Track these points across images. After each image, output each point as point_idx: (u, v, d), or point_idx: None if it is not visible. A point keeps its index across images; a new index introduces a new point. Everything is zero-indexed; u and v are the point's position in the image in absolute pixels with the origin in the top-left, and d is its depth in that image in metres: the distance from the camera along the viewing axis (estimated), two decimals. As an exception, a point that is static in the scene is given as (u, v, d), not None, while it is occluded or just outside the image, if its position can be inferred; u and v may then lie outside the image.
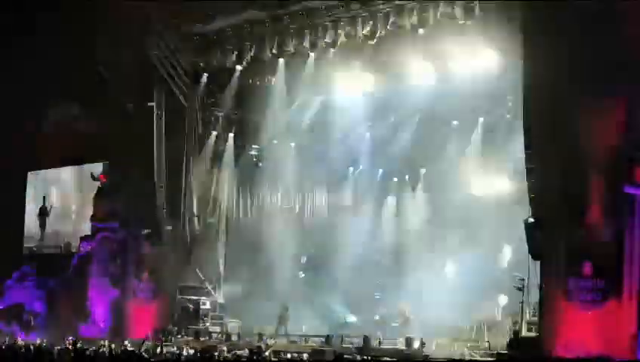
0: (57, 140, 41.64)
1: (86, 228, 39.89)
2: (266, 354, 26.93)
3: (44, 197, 43.62)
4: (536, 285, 27.72)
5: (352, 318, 38.45)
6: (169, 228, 36.94)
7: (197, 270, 37.38)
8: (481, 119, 36.87)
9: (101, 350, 28.27)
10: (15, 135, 42.20)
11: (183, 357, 25.55)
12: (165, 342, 33.05)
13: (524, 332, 28.02)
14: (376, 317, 37.13)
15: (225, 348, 30.21)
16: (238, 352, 28.08)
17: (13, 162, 43.10)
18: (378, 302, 38.68)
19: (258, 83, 38.20)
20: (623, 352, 24.14)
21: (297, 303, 39.01)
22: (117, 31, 35.90)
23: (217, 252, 38.92)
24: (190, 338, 34.50)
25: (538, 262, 27.16)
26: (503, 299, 33.34)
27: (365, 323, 37.14)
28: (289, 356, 27.62)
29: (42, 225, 43.32)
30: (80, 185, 42.17)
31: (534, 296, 28.41)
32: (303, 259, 40.39)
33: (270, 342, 32.23)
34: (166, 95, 36.86)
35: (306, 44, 34.54)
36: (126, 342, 31.39)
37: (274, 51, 35.48)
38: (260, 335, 33.20)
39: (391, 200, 41.64)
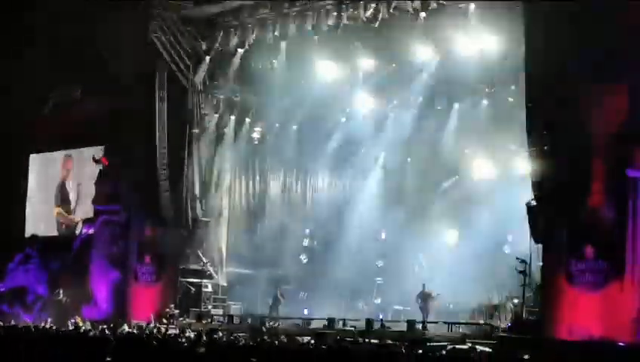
0: (58, 122, 41.63)
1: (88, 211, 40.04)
2: (267, 337, 26.98)
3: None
4: (538, 268, 27.84)
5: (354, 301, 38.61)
6: (171, 210, 36.92)
7: (199, 252, 37.45)
8: (484, 102, 36.93)
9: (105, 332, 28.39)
10: (15, 117, 42.22)
11: (184, 340, 25.63)
12: (167, 324, 33.15)
13: (525, 316, 28.10)
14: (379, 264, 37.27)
15: (227, 331, 30.32)
16: (241, 335, 28.13)
17: (13, 145, 43.16)
18: (380, 287, 38.83)
19: (260, 65, 38.15)
20: (625, 335, 24.19)
21: (300, 286, 39.28)
22: (118, 12, 35.87)
23: (219, 234, 38.95)
24: (192, 320, 34.62)
25: (540, 246, 27.20)
26: (505, 282, 33.49)
27: (368, 306, 37.38)
28: (290, 339, 27.66)
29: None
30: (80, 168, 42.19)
31: (536, 278, 28.54)
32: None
33: (272, 324, 32.34)
34: (168, 77, 36.81)
35: (309, 26, 34.50)
36: (125, 326, 31.40)
37: (276, 34, 35.46)
38: (262, 318, 33.32)
39: (392, 183, 41.70)
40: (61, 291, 38.41)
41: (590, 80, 25.43)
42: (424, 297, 32.51)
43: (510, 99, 35.05)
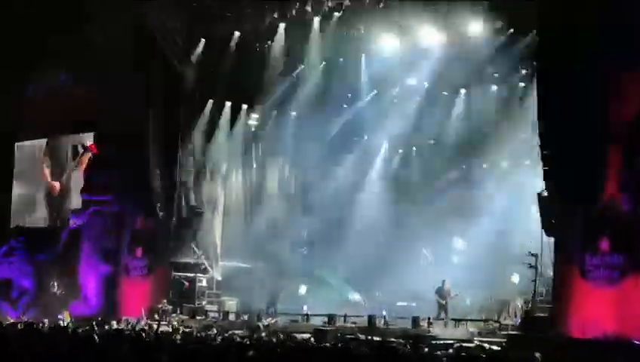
0: (45, 109, 41.41)
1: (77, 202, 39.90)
2: (264, 334, 26.86)
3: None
4: (550, 262, 27.70)
5: (355, 297, 38.52)
6: (164, 200, 36.81)
7: (193, 245, 37.36)
8: (493, 87, 36.77)
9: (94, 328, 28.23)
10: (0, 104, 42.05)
11: (178, 337, 25.48)
12: (160, 320, 33.05)
13: (536, 312, 27.98)
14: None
15: (222, 328, 30.24)
16: (236, 332, 28.03)
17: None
18: (383, 282, 38.78)
19: (257, 49, 38.00)
20: (641, 332, 24.14)
21: (299, 280, 39.20)
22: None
23: (214, 226, 38.88)
24: (186, 317, 34.52)
25: (552, 239, 27.06)
26: (514, 277, 33.39)
27: (370, 302, 37.30)
28: (289, 336, 27.57)
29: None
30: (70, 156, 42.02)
31: (548, 273, 28.42)
32: None
33: (269, 321, 32.25)
34: (161, 61, 36.64)
35: (309, 7, 34.32)
36: (113, 323, 31.28)
37: (274, 16, 35.30)
38: (259, 315, 33.25)
39: (396, 173, 41.62)
40: (55, 284, 38.33)
41: (608, 67, 25.20)
42: (443, 294, 32.25)
43: (521, 85, 34.87)
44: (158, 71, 36.60)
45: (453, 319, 30.34)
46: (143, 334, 26.08)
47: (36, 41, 39.31)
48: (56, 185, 41.81)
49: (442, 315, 31.61)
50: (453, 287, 32.40)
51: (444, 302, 31.96)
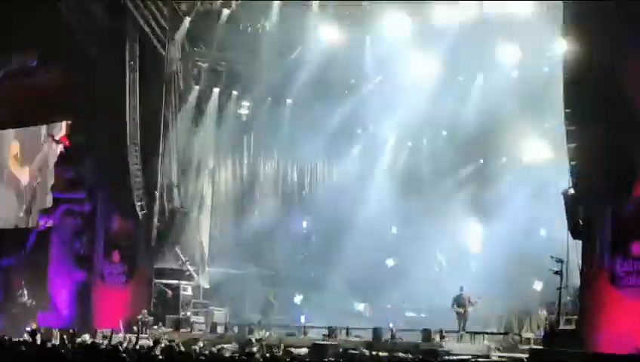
0: (12, 96, 41.41)
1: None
2: (256, 349, 26.83)
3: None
4: (577, 268, 27.65)
5: (359, 307, 38.55)
6: (144, 199, 36.79)
7: (177, 249, 37.34)
8: (513, 73, 36.69)
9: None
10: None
11: (159, 352, 25.46)
12: (139, 333, 33.02)
13: (561, 325, 27.93)
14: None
15: (209, 342, 30.20)
16: (225, 346, 28.00)
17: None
18: (389, 290, 38.78)
19: (249, 29, 37.96)
20: (678, 348, 24.08)
21: (296, 289, 39.19)
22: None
23: (201, 227, 38.87)
24: (169, 329, 34.51)
25: (579, 242, 27.02)
26: (537, 285, 33.33)
27: (375, 313, 37.28)
28: (284, 351, 27.56)
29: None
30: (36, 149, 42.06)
31: (574, 281, 28.36)
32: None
33: (262, 334, 32.21)
34: (140, 43, 36.61)
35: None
36: (86, 336, 31.24)
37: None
38: (251, 327, 33.21)
39: (405, 168, 41.59)
40: (25, 292, 38.33)
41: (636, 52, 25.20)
42: (462, 302, 32.09)
43: (545, 69, 34.80)
44: (137, 53, 36.51)
45: (468, 332, 30.25)
46: (120, 348, 26.09)
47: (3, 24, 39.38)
48: (26, 180, 41.86)
49: (462, 326, 31.43)
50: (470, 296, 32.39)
51: (462, 311, 31.80)
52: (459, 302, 31.85)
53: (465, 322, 31.51)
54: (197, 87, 38.68)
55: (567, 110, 27.13)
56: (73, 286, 37.25)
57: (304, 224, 42.19)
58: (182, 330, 34.28)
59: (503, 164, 38.87)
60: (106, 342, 29.46)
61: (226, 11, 36.91)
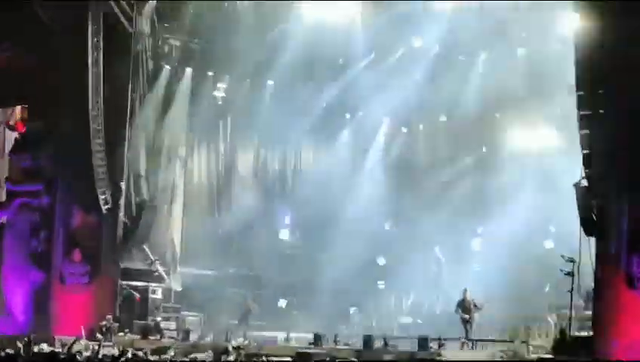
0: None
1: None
2: (233, 358, 26.95)
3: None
4: (590, 269, 27.76)
5: (349, 311, 38.66)
6: (108, 191, 36.79)
7: (145, 247, 37.33)
8: (520, 50, 36.78)
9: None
10: None
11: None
12: (103, 341, 33.05)
13: (573, 331, 28.06)
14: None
15: (181, 350, 30.28)
16: (199, 356, 28.05)
17: None
18: (382, 293, 38.90)
19: (226, 4, 38.00)
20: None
21: (278, 291, 39.26)
22: None
23: (172, 223, 38.85)
24: (136, 336, 34.48)
25: (592, 239, 27.13)
26: (546, 287, 33.46)
27: (366, 318, 37.39)
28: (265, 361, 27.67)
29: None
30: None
31: (587, 283, 28.50)
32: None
33: (240, 342, 32.30)
34: (105, 19, 36.55)
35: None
36: (44, 345, 31.27)
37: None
38: (228, 334, 33.29)
39: (399, 157, 41.69)
40: None
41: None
42: (466, 306, 32.13)
43: (556, 46, 34.90)
44: (102, 30, 36.46)
45: (470, 339, 30.33)
46: (79, 358, 26.18)
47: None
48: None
49: (469, 334, 31.49)
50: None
51: (468, 317, 31.86)
52: (463, 306, 31.91)
53: (471, 329, 31.59)
54: (167, 67, 38.63)
55: (580, 93, 27.21)
56: (30, 289, 37.15)
57: (287, 219, 42.20)
58: (151, 338, 34.17)
59: (507, 153, 39.00)
60: (65, 350, 29.68)
61: (200, -18, 37.08)
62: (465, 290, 32.03)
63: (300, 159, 43.37)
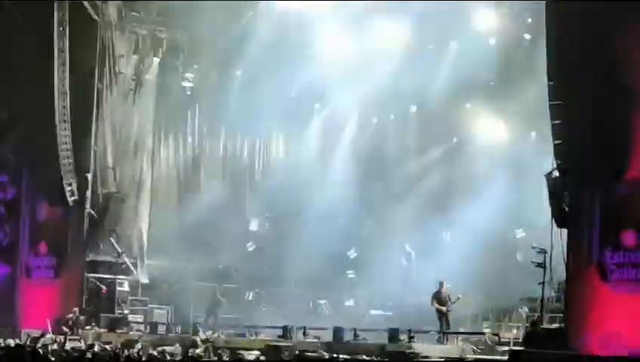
0: None
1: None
2: (201, 351, 26.82)
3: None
4: (562, 260, 27.72)
5: (318, 303, 38.61)
6: (74, 182, 36.59)
7: (112, 239, 37.17)
8: (491, 40, 36.74)
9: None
10: None
11: (92, 355, 25.42)
12: (70, 334, 32.94)
13: (545, 323, 28.02)
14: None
15: (149, 343, 30.13)
16: (167, 349, 27.94)
17: None
18: (352, 283, 38.82)
19: (194, -9, 37.90)
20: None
21: (245, 283, 39.19)
22: None
23: (139, 215, 38.67)
24: (103, 330, 34.37)
25: (564, 230, 27.07)
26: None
27: (335, 311, 37.32)
28: (233, 354, 27.57)
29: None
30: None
31: (559, 274, 28.45)
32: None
33: (208, 335, 32.19)
34: (70, 6, 36.33)
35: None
36: (10, 341, 31.07)
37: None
38: (196, 327, 33.14)
39: (369, 147, 41.63)
40: None
41: (626, 18, 25.20)
42: (442, 299, 31.92)
43: (527, 36, 34.90)
44: (67, 18, 36.24)
45: (443, 332, 30.20)
46: (46, 352, 26.03)
47: None
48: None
49: (444, 327, 31.30)
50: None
51: (444, 310, 31.65)
52: (439, 299, 31.68)
53: (447, 323, 31.39)
54: (135, 57, 38.51)
55: (551, 83, 27.12)
56: (-6, 282, 37.17)
57: (255, 210, 42.06)
58: (118, 331, 34.08)
59: (478, 144, 38.95)
60: (31, 344, 29.53)
61: (166, -30, 36.91)
62: (441, 283, 31.77)
63: (269, 150, 43.24)
